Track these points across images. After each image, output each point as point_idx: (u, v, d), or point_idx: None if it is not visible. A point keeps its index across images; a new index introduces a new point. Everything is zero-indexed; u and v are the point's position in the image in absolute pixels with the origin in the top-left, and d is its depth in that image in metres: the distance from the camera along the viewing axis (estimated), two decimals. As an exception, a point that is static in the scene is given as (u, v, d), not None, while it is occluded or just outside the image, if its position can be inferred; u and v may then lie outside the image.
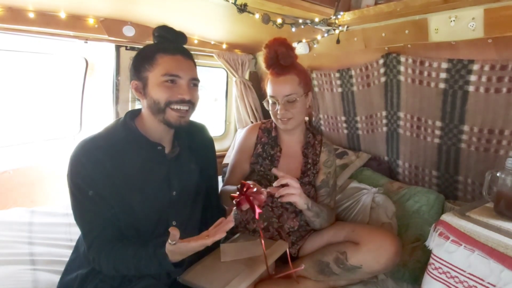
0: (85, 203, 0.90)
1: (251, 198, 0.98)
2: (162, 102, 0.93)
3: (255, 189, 0.99)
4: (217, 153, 1.26)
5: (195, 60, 1.02)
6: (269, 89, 1.26)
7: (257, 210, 0.97)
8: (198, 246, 0.79)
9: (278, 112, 1.23)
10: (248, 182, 1.02)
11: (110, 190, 0.90)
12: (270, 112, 1.29)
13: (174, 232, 0.76)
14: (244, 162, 1.35)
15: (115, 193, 0.91)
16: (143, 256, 0.86)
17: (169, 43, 0.97)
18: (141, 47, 1.00)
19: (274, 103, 1.26)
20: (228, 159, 2.03)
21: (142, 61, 0.95)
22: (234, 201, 1.00)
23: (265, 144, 1.34)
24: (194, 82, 0.98)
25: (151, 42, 1.02)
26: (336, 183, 1.43)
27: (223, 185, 1.34)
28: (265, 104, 1.31)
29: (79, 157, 0.90)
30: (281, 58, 1.22)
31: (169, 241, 0.78)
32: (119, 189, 0.91)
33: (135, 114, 1.03)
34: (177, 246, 0.78)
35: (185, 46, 1.00)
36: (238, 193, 1.00)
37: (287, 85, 1.22)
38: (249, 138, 1.37)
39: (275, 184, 1.06)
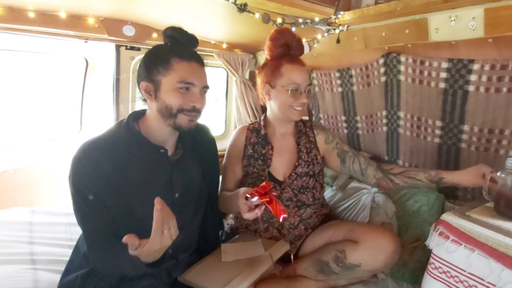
0: (85, 207, 0.90)
1: (278, 203, 0.92)
2: (174, 108, 0.93)
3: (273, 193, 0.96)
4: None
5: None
6: (292, 77, 1.19)
7: (283, 215, 0.91)
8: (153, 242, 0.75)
9: (304, 100, 1.20)
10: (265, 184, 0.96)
11: (110, 192, 0.90)
12: (286, 101, 1.20)
13: (130, 240, 0.73)
14: (235, 166, 1.32)
15: (115, 196, 0.90)
16: (123, 256, 0.82)
17: (183, 47, 0.96)
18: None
19: (296, 91, 1.19)
20: (228, 159, 2.02)
21: (155, 63, 0.93)
22: (261, 201, 0.92)
23: (255, 144, 1.31)
24: (204, 89, 0.98)
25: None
26: (350, 147, 1.37)
27: (220, 190, 1.30)
28: (284, 92, 1.20)
29: (79, 159, 0.90)
30: (295, 48, 1.22)
31: (130, 249, 0.75)
32: (120, 191, 0.91)
33: (138, 115, 1.01)
34: (140, 251, 0.75)
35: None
36: (257, 190, 0.94)
37: (307, 74, 1.23)
38: (238, 140, 1.34)
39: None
